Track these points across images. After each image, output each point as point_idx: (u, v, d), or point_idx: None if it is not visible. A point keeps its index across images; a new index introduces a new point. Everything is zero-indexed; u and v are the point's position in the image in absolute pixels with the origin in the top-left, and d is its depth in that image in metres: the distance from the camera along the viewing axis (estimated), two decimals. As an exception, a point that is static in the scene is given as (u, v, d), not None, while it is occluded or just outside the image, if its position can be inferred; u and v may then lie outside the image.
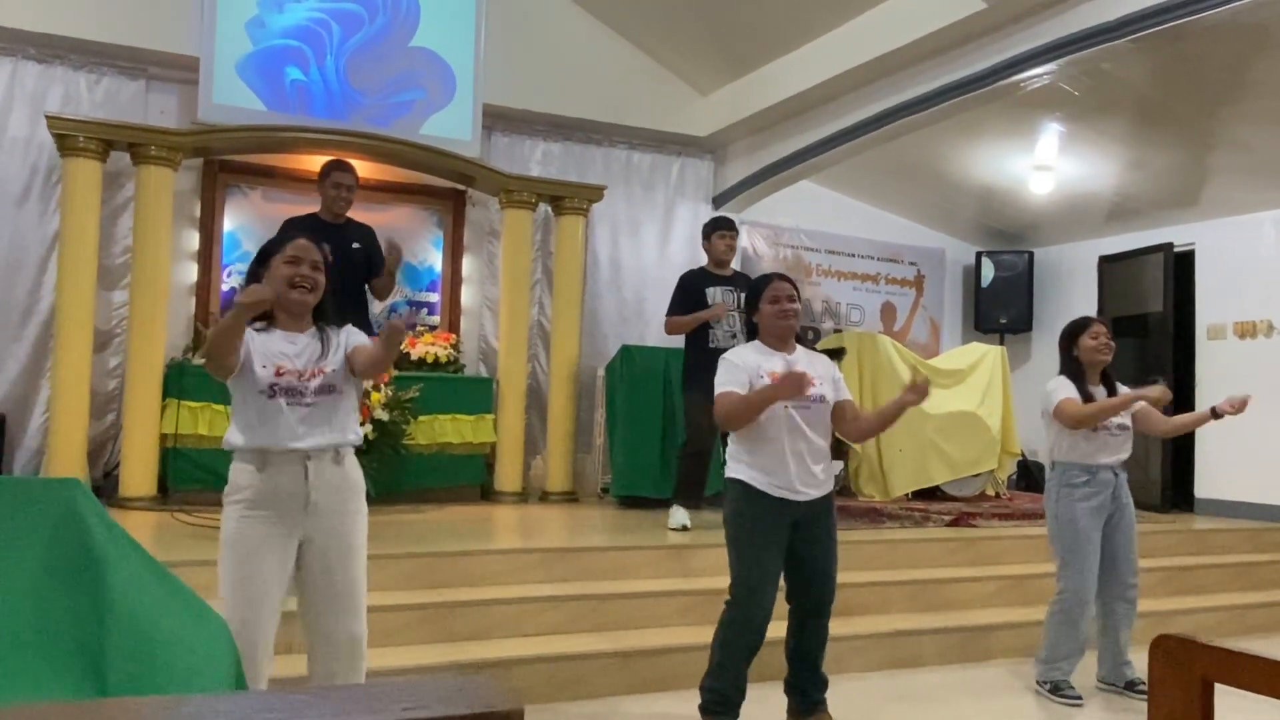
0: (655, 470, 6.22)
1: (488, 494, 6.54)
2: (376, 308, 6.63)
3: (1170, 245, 7.65)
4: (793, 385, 3.17)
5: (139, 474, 5.57)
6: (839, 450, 7.11)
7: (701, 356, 5.16)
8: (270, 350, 2.73)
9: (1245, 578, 5.89)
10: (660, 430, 6.26)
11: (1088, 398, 4.04)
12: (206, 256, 6.45)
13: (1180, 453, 7.53)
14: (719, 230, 5.54)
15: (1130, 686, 4.16)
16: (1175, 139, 6.52)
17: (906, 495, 7.01)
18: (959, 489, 7.20)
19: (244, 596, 2.64)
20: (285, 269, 2.76)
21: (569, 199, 6.84)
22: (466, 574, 4.28)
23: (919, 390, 3.26)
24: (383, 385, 5.74)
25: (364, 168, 6.57)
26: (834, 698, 3.55)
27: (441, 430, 6.18)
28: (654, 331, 7.05)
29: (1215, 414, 4.07)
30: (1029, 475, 8.27)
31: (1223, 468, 7.31)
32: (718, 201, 7.88)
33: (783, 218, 8.23)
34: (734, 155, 7.85)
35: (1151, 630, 1.79)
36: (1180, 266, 7.64)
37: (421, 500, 6.06)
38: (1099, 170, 7.22)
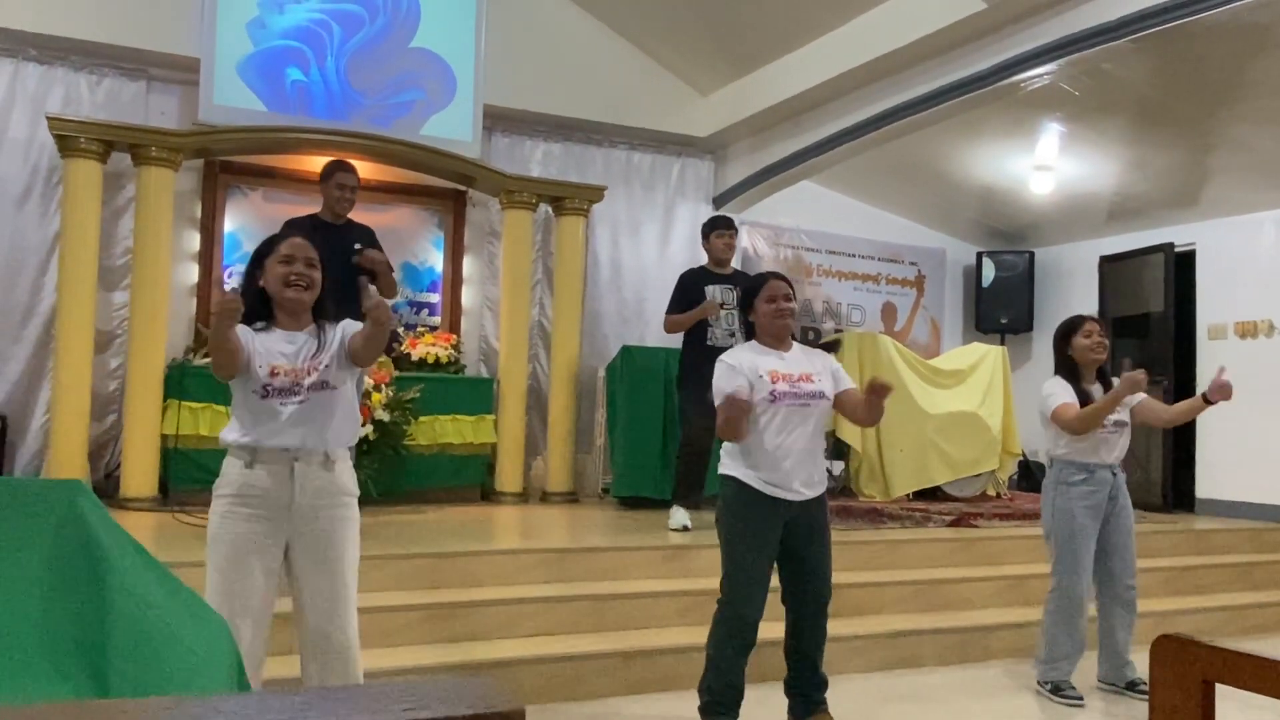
0: (656, 470, 6.22)
1: (488, 494, 6.54)
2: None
3: (1171, 245, 7.65)
4: (731, 408, 3.14)
5: (140, 475, 5.57)
6: (840, 450, 7.14)
7: (699, 354, 5.17)
8: (269, 350, 2.74)
9: (1246, 578, 5.89)
10: (661, 430, 6.26)
11: (1084, 397, 4.03)
12: (207, 257, 6.45)
13: (1181, 453, 7.53)
14: (717, 229, 5.55)
15: (1131, 687, 4.16)
16: (1176, 139, 6.52)
17: (907, 495, 7.01)
18: (960, 489, 7.20)
19: (227, 592, 2.64)
20: (279, 269, 2.76)
21: (569, 199, 6.84)
22: (467, 574, 4.28)
23: (878, 390, 3.24)
24: (384, 386, 5.74)
25: (364, 168, 6.57)
26: (834, 698, 3.55)
27: (442, 431, 6.19)
28: (654, 332, 7.05)
29: (1206, 400, 4.06)
30: (1030, 475, 8.27)
31: (1224, 468, 7.31)
32: (718, 202, 7.88)
33: (783, 218, 8.23)
34: (734, 155, 7.85)
35: (1152, 630, 1.79)
36: (1181, 266, 7.64)
37: (422, 501, 6.07)
38: (1099, 170, 7.22)
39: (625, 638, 4.11)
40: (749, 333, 3.58)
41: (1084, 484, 4.05)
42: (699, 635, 3.46)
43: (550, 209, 6.99)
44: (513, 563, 4.43)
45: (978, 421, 7.18)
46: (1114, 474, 4.12)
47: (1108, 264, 8.20)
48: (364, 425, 5.48)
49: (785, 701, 3.53)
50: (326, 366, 2.77)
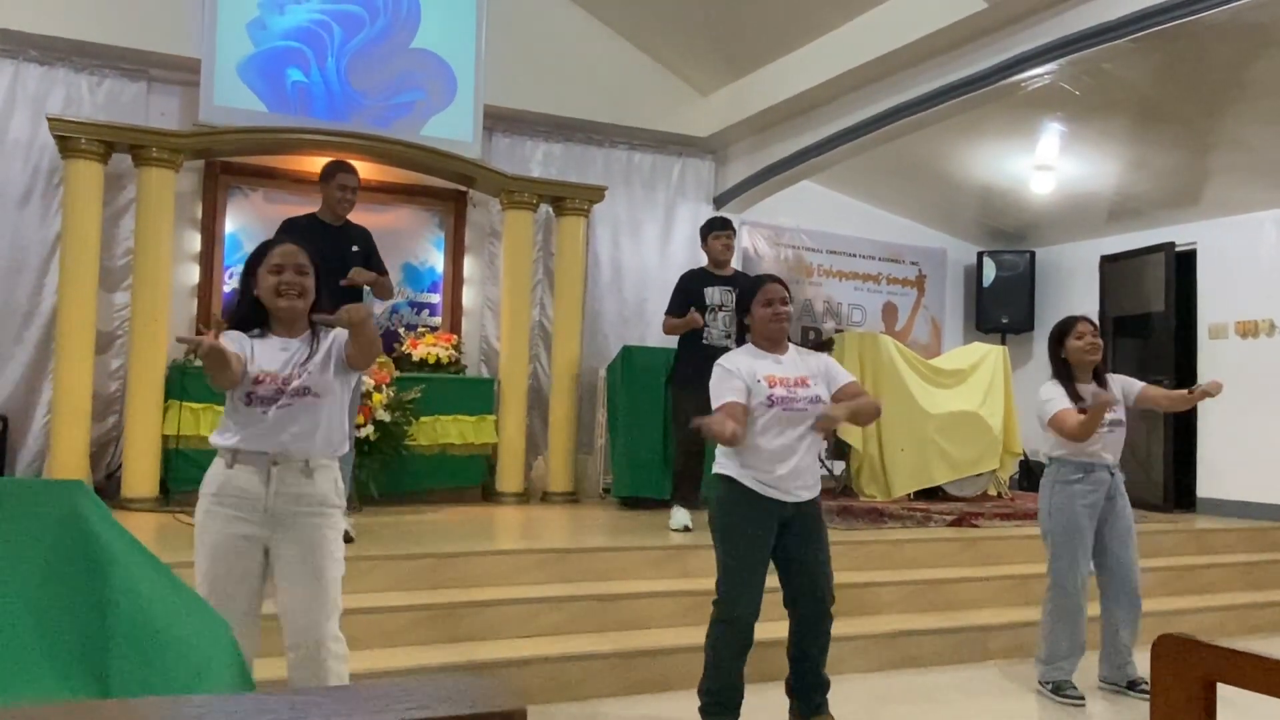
0: (656, 471, 6.22)
1: (489, 495, 6.54)
2: (378, 309, 6.64)
3: (1172, 245, 7.65)
4: (713, 425, 3.15)
5: (141, 475, 5.58)
6: (840, 450, 7.14)
7: (694, 354, 5.17)
8: (262, 357, 2.74)
9: (1247, 577, 5.89)
10: (661, 431, 6.25)
11: (1077, 398, 4.03)
12: (208, 258, 6.46)
13: (1182, 453, 7.53)
14: (714, 231, 5.55)
15: (1132, 686, 4.16)
16: (1176, 138, 6.52)
17: (908, 495, 7.00)
18: (961, 489, 7.19)
19: (210, 590, 2.64)
20: (270, 278, 2.76)
21: (570, 200, 6.84)
22: (468, 575, 4.28)
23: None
24: (384, 386, 5.74)
25: (365, 169, 6.56)
26: (836, 698, 3.54)
27: (443, 431, 6.19)
28: (655, 332, 7.04)
29: (1190, 392, 4.11)
30: (1031, 475, 8.26)
31: (1225, 467, 7.30)
32: (719, 202, 7.88)
33: (784, 218, 8.23)
34: (735, 155, 7.85)
35: (1154, 630, 1.79)
36: (1182, 266, 7.64)
37: (423, 501, 6.07)
38: (1100, 170, 7.22)
39: (625, 638, 4.11)
40: (741, 336, 3.58)
41: (1081, 483, 4.06)
42: (699, 636, 3.45)
43: (551, 209, 6.99)
44: (513, 563, 4.43)
45: (979, 421, 7.18)
46: (1111, 473, 4.12)
47: (1108, 264, 8.20)
48: (364, 425, 5.48)
49: (786, 702, 3.53)
50: (311, 373, 2.75)
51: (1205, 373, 7.38)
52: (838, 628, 3.57)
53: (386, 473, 5.69)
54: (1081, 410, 3.96)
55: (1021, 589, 5.10)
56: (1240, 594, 5.71)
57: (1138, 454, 7.24)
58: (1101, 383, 4.13)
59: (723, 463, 3.39)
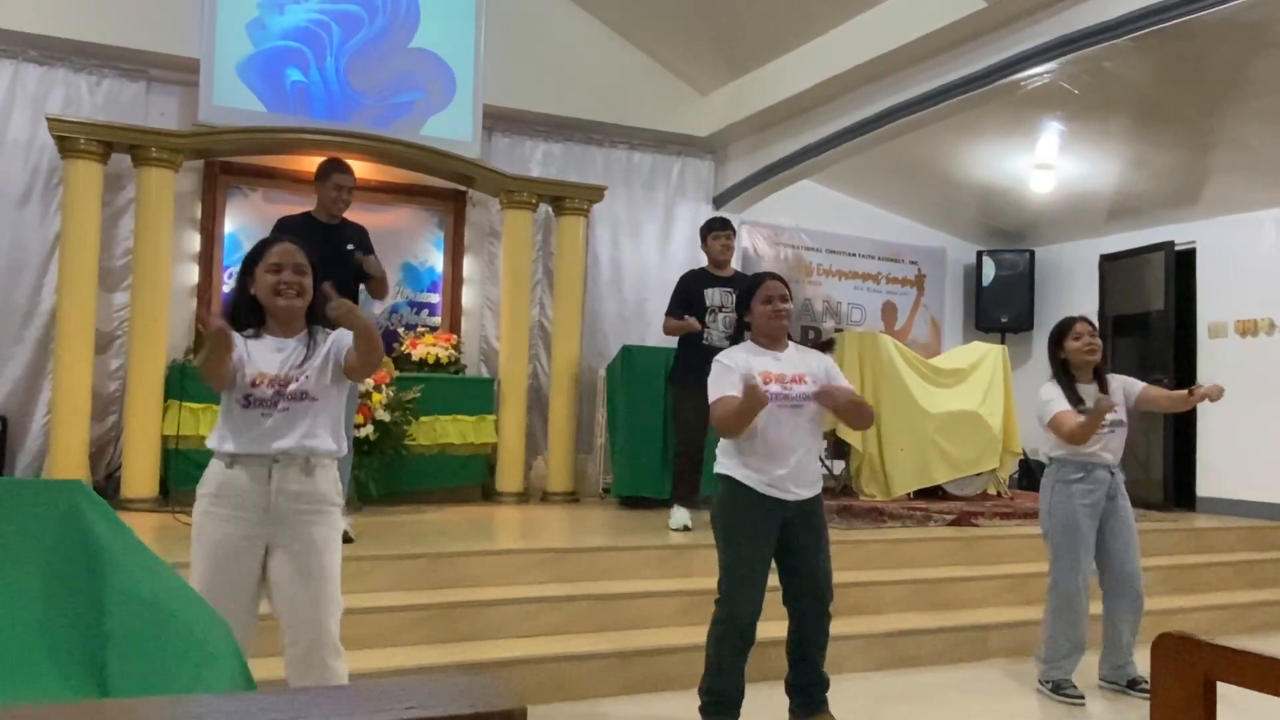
0: (656, 470, 6.22)
1: (489, 494, 6.54)
2: (377, 309, 6.64)
3: (1171, 244, 7.65)
4: (752, 396, 3.13)
5: (140, 475, 5.57)
6: (840, 450, 7.14)
7: (694, 354, 5.17)
8: (256, 358, 2.72)
9: (1247, 576, 5.89)
10: (661, 430, 6.25)
11: (1076, 399, 4.04)
12: (207, 258, 6.46)
13: (1182, 452, 7.53)
14: (714, 231, 5.55)
15: (1132, 685, 4.16)
16: (1176, 137, 6.52)
17: (908, 495, 7.01)
18: (960, 488, 7.20)
19: (207, 591, 2.60)
20: (268, 277, 2.74)
21: (569, 199, 6.84)
22: (468, 574, 4.28)
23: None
24: (384, 386, 5.74)
25: (364, 169, 6.57)
26: (835, 697, 3.55)
27: (443, 431, 6.19)
28: (655, 332, 7.05)
29: (1190, 393, 4.10)
30: (1030, 474, 8.26)
31: (1224, 467, 7.31)
32: (718, 201, 7.88)
33: (783, 217, 8.23)
34: (734, 155, 7.85)
35: (1153, 629, 1.79)
36: (1181, 265, 7.64)
37: (423, 501, 6.07)
38: (1100, 169, 7.22)
39: (625, 638, 4.11)
40: (738, 333, 3.58)
41: (1082, 483, 4.06)
42: (699, 635, 3.46)
43: (550, 209, 6.99)
44: (513, 563, 4.43)
45: (978, 420, 7.18)
46: (1112, 473, 4.12)
47: (1108, 263, 8.20)
48: (364, 425, 5.48)
49: (786, 701, 3.53)
50: (309, 377, 2.73)
51: (1205, 372, 7.38)
52: (837, 627, 3.58)
53: (386, 473, 5.69)
54: (1081, 413, 3.96)
55: (1021, 588, 5.10)
56: (1240, 593, 5.71)
57: (1138, 453, 7.24)
58: (1102, 383, 4.13)
59: (724, 463, 3.39)
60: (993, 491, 7.43)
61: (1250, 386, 6.88)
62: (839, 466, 7.24)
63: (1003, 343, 8.18)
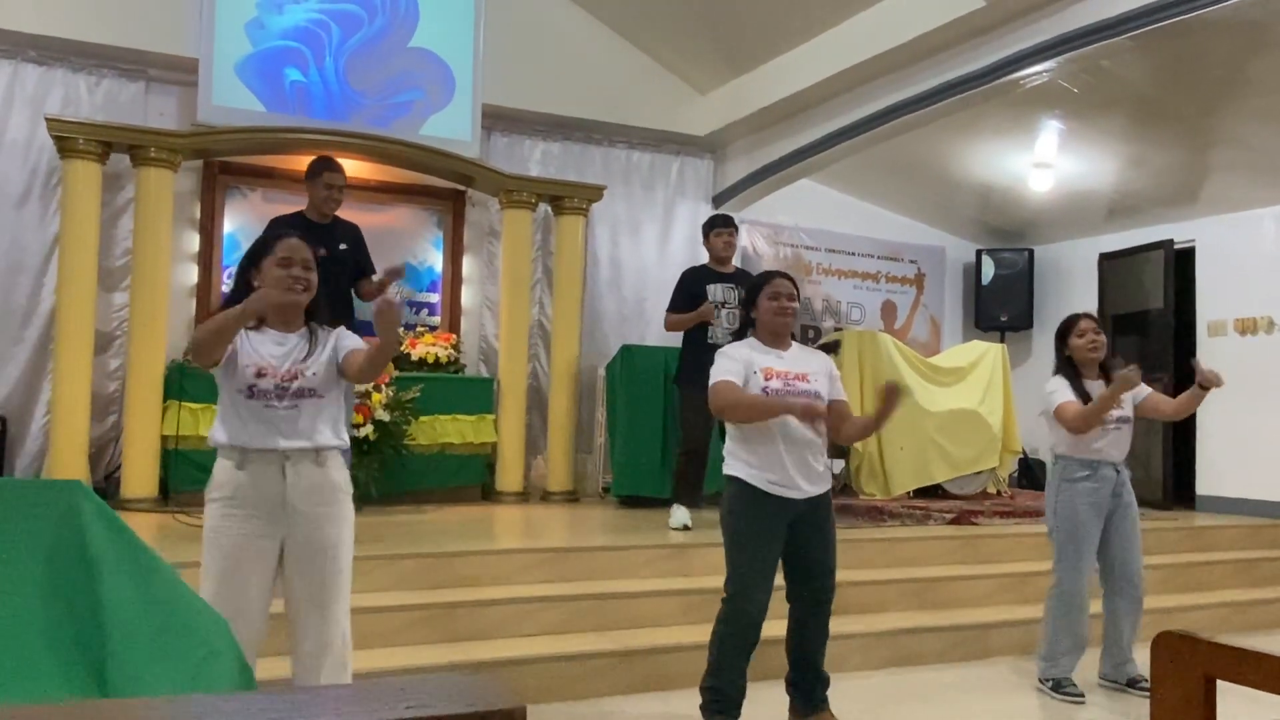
0: (656, 470, 6.22)
1: (489, 494, 6.54)
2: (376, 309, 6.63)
3: (1170, 242, 7.65)
4: (809, 413, 3.19)
5: (140, 475, 5.57)
6: (840, 449, 7.13)
7: (700, 354, 5.15)
8: (257, 350, 2.71)
9: (1246, 574, 5.89)
10: (661, 430, 6.26)
11: (1084, 395, 4.04)
12: (206, 258, 6.46)
13: (1181, 450, 7.54)
14: (716, 228, 5.54)
15: (1132, 683, 4.16)
16: (1175, 136, 6.52)
17: (908, 493, 7.01)
18: (960, 487, 7.20)
19: (223, 594, 2.61)
20: (278, 271, 2.73)
21: (569, 199, 6.84)
22: (467, 574, 4.28)
23: (890, 395, 3.29)
24: (383, 386, 5.74)
25: (363, 168, 6.58)
26: (835, 696, 3.55)
27: (442, 430, 6.19)
28: (654, 331, 7.05)
29: (1202, 386, 4.08)
30: (1030, 473, 8.27)
31: (1224, 464, 7.31)
32: (717, 200, 7.88)
33: (782, 216, 8.23)
34: (733, 154, 7.85)
35: (1153, 627, 1.79)
36: (1180, 263, 7.64)
37: (422, 500, 6.07)
38: (1099, 167, 7.22)
39: (625, 637, 4.11)
40: (743, 329, 3.58)
41: (1087, 480, 4.06)
42: (699, 634, 3.46)
43: (549, 208, 6.98)
44: (513, 562, 4.44)
45: (978, 419, 7.18)
46: (1117, 471, 4.12)
47: (1107, 261, 8.21)
48: (363, 425, 5.48)
49: (786, 699, 3.53)
50: (314, 374, 2.74)
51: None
52: (838, 626, 3.58)
53: (386, 472, 5.68)
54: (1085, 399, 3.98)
55: (1021, 587, 5.10)
56: (1239, 591, 5.72)
57: (1137, 451, 7.20)
58: (1108, 380, 4.13)
59: (731, 464, 3.39)
60: (992, 490, 7.43)
61: (1250, 385, 6.88)
62: (839, 465, 7.24)
63: (1002, 341, 8.19)
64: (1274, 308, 7.13)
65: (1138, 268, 7.91)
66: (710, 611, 3.41)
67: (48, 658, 1.71)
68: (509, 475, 6.51)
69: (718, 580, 3.41)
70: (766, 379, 3.31)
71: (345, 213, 5.40)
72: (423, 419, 6.01)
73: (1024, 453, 7.94)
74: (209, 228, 6.47)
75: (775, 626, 3.46)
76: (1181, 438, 7.50)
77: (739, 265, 5.85)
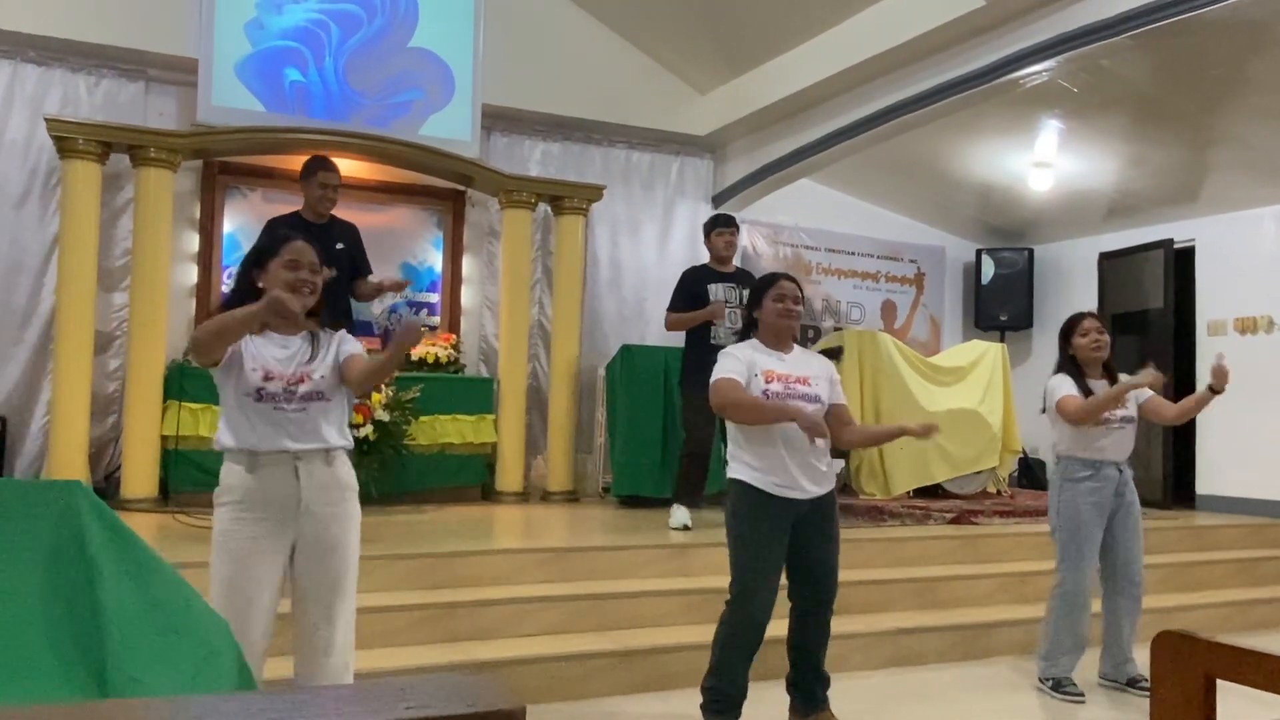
0: (656, 470, 6.22)
1: (489, 494, 6.54)
2: (376, 309, 6.65)
3: (1170, 241, 7.65)
4: (814, 428, 3.21)
5: (140, 476, 5.57)
6: (839, 450, 7.13)
7: (702, 355, 5.14)
8: (261, 353, 2.70)
9: (1246, 574, 5.89)
10: (661, 430, 6.26)
11: (1087, 394, 4.05)
12: (206, 258, 6.46)
13: (1181, 449, 7.54)
14: (717, 228, 5.54)
15: (1132, 683, 4.16)
16: (1175, 135, 6.52)
17: (908, 493, 7.01)
18: (960, 487, 7.20)
19: (233, 598, 2.62)
20: (285, 273, 2.71)
21: (568, 199, 6.84)
22: (467, 574, 4.28)
23: (927, 431, 3.39)
24: (383, 386, 5.74)
25: (363, 168, 6.59)
26: (836, 696, 3.55)
27: (442, 430, 6.18)
28: (654, 331, 7.05)
29: (1212, 390, 4.07)
30: (1030, 472, 8.27)
31: (1224, 464, 7.31)
32: (717, 200, 7.88)
33: (782, 216, 8.23)
34: (733, 154, 7.85)
35: (1153, 627, 1.79)
36: (1180, 262, 7.64)
37: (422, 500, 6.07)
38: (1098, 167, 7.22)
39: (626, 637, 4.11)
40: (746, 330, 3.58)
41: (1090, 480, 4.06)
42: (700, 634, 3.46)
43: (549, 208, 6.98)
44: (513, 562, 4.43)
45: (978, 419, 7.18)
46: (1120, 470, 4.13)
47: (1107, 260, 8.21)
48: (363, 425, 5.48)
49: (787, 699, 3.53)
50: (322, 377, 2.74)
51: (1204, 370, 7.38)
52: (839, 625, 3.58)
53: (385, 472, 5.68)
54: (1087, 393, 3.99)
55: (1021, 586, 5.10)
56: (1239, 590, 5.72)
57: (1137, 451, 7.19)
58: (1112, 379, 4.13)
59: (735, 467, 3.39)
60: (992, 490, 7.43)
61: (1250, 384, 6.86)
62: (839, 465, 7.24)
63: (1002, 341, 8.19)
64: (1274, 307, 7.13)
65: (1137, 267, 7.91)
66: (710, 611, 3.41)
67: (48, 658, 1.70)
68: (509, 475, 6.51)
69: (718, 580, 3.41)
70: (767, 381, 3.31)
71: (345, 213, 5.40)
72: (423, 419, 6.01)
73: (1024, 452, 7.94)
74: (209, 228, 6.47)
75: (776, 626, 3.46)
76: (1181, 437, 7.50)
77: (739, 265, 5.85)
